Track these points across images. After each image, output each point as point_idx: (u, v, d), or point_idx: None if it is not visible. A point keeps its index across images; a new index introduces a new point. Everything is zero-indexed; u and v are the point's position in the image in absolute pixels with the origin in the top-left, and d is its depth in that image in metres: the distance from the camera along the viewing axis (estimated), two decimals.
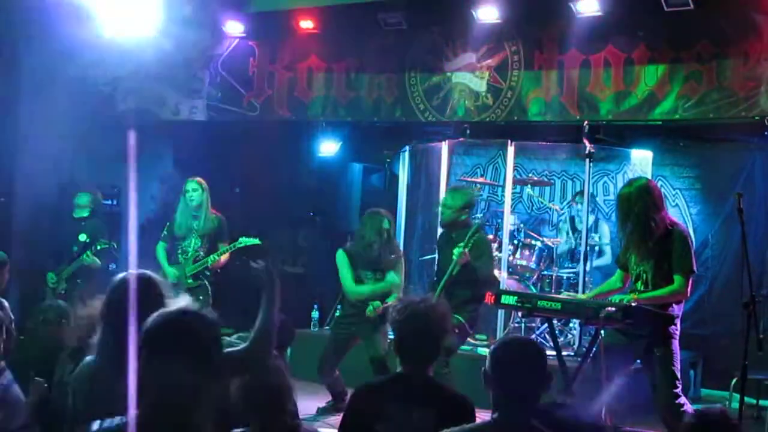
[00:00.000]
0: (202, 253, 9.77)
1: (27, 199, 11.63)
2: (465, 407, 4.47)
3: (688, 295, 7.09)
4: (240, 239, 9.70)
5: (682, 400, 6.93)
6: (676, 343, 6.97)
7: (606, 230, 11.14)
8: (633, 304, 6.78)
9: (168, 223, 10.03)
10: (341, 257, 9.03)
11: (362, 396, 4.59)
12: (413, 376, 4.50)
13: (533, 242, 10.88)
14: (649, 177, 10.69)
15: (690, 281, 6.97)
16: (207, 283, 9.84)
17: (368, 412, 4.45)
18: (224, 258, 9.78)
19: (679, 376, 6.96)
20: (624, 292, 7.24)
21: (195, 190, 9.84)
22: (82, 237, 10.27)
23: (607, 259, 10.88)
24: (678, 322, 7.00)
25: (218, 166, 13.12)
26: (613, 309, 6.71)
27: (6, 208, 11.41)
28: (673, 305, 6.96)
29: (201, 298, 9.48)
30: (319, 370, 9.00)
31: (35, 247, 10.92)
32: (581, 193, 10.68)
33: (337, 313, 9.87)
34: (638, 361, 7.21)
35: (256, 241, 9.75)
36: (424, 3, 10.43)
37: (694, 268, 7.00)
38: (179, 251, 9.86)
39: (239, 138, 12.82)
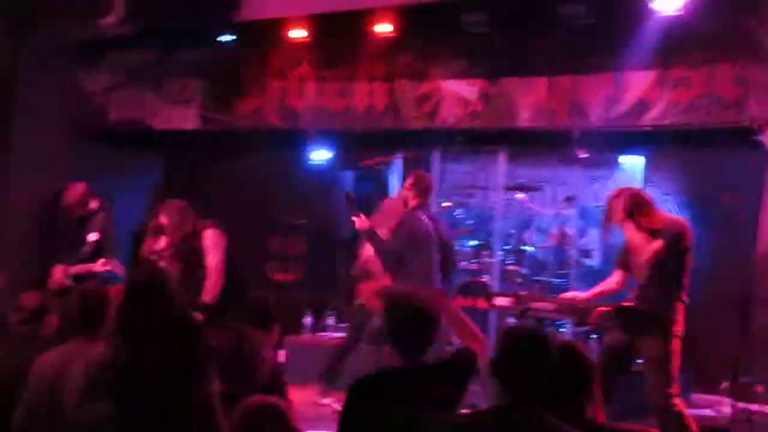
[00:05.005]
0: None
1: (21, 208, 11.64)
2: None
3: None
4: None
5: (677, 401, 6.97)
6: (676, 343, 7.00)
7: (594, 235, 11.19)
8: (626, 305, 6.84)
9: None
10: None
11: (361, 397, 4.57)
12: (411, 367, 4.53)
13: (523, 248, 10.93)
14: (640, 183, 10.80)
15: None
16: None
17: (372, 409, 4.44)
18: None
19: (675, 376, 6.99)
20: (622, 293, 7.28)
21: None
22: (92, 236, 9.85)
23: (594, 261, 10.94)
24: (680, 319, 7.03)
25: (209, 174, 13.17)
26: (605, 309, 6.78)
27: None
28: (677, 304, 7.01)
29: None
30: None
31: (28, 259, 10.88)
32: (571, 198, 10.72)
33: None
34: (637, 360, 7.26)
35: None
36: (413, 12, 10.47)
37: None
38: None
39: (230, 146, 12.85)
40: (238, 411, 4.44)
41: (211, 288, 8.35)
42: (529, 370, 3.78)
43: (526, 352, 3.80)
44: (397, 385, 4.50)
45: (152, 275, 5.00)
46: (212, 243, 8.55)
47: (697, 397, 10.51)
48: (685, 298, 7.17)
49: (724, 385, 9.15)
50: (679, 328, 7.03)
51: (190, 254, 8.47)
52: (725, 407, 9.22)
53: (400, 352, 4.56)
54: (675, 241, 7.03)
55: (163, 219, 8.66)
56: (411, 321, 4.54)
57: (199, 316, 7.73)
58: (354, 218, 8.82)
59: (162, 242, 8.60)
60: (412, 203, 8.97)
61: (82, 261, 9.72)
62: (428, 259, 8.86)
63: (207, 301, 8.27)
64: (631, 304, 6.98)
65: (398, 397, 4.41)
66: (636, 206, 7.16)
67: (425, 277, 8.95)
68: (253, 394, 4.59)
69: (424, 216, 8.96)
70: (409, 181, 9.16)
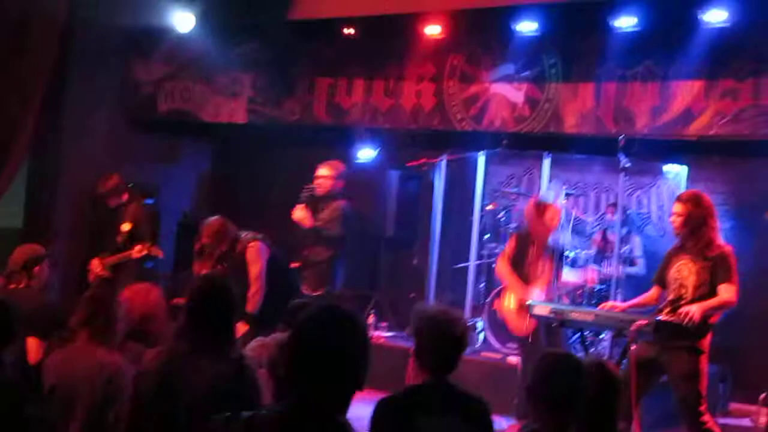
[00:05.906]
0: None
1: (69, 195, 11.82)
2: (485, 410, 4.62)
3: (736, 302, 7.18)
4: None
5: (707, 417, 7.02)
6: (704, 361, 7.06)
7: (638, 242, 11.20)
8: (664, 319, 6.90)
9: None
10: None
11: (387, 412, 4.56)
12: (436, 385, 4.59)
13: (565, 253, 10.96)
14: (683, 191, 10.80)
15: (737, 290, 7.08)
16: None
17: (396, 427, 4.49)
18: None
19: (704, 393, 7.06)
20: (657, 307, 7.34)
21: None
22: (125, 227, 10.11)
23: (639, 268, 10.95)
24: (709, 336, 7.11)
25: (256, 168, 13.30)
26: (644, 323, 6.85)
27: (49, 203, 11.64)
28: (711, 324, 7.07)
29: None
30: None
31: (77, 240, 11.08)
32: (614, 205, 10.75)
33: None
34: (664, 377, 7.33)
35: None
36: (465, 15, 10.55)
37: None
38: None
39: (278, 140, 12.97)
40: None
41: (251, 298, 8.63)
42: (565, 395, 3.87)
43: (561, 378, 3.89)
44: (423, 400, 4.55)
45: (217, 279, 5.13)
46: (253, 256, 8.83)
47: (735, 407, 10.55)
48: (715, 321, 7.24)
49: (763, 395, 9.20)
50: (707, 348, 7.10)
51: (233, 270, 8.66)
52: (763, 417, 9.26)
53: (427, 370, 4.61)
54: (722, 267, 7.08)
55: (204, 240, 8.89)
56: (440, 342, 4.58)
57: (243, 326, 8.00)
58: (296, 208, 9.53)
59: (206, 265, 8.81)
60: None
61: (119, 251, 10.00)
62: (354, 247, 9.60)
63: (249, 310, 8.55)
64: (671, 318, 7.03)
65: (424, 412, 4.47)
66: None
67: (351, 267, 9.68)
68: None
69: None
70: (336, 170, 9.61)
